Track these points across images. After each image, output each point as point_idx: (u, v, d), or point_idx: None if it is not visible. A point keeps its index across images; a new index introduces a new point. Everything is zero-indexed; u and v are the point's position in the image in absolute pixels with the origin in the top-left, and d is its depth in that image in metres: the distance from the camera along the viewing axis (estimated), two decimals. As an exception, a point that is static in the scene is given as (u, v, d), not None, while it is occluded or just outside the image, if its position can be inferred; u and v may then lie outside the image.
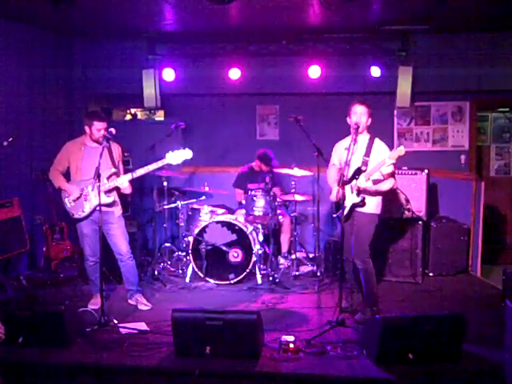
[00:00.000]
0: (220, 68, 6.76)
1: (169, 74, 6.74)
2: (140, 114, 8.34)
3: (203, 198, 6.25)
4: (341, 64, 6.75)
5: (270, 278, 5.50)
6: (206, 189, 6.09)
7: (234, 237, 5.56)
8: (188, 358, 3.69)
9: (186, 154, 4.61)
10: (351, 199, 4.36)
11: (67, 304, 4.05)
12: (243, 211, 5.80)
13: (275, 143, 7.16)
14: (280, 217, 6.04)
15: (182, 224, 6.15)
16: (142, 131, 6.94)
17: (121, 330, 4.23)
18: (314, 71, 6.57)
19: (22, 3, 5.16)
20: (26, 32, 6.04)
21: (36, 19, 5.93)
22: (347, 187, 4.32)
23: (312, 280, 5.66)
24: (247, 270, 5.48)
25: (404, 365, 3.54)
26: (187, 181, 7.13)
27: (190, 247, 5.59)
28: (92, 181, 4.46)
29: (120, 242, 4.76)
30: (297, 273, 5.82)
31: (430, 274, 5.91)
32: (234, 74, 6.70)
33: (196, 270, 5.57)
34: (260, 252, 5.65)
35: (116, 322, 4.37)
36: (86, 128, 4.64)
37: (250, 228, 5.69)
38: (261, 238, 5.81)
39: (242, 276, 5.49)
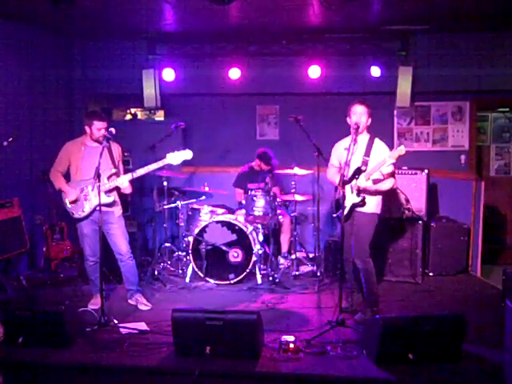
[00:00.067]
0: (220, 68, 6.76)
1: (169, 74, 6.74)
2: (140, 114, 8.35)
3: (203, 198, 6.26)
4: (341, 64, 6.74)
5: (270, 278, 5.50)
6: (206, 189, 6.09)
7: (234, 237, 5.56)
8: (188, 358, 3.68)
9: (186, 154, 4.62)
10: (351, 199, 4.36)
11: (67, 304, 4.07)
12: (243, 211, 5.80)
13: (275, 143, 7.16)
14: (280, 217, 6.04)
15: (182, 224, 6.15)
16: (142, 131, 6.94)
17: (121, 329, 4.23)
18: (314, 71, 6.57)
19: (22, 3, 5.16)
20: (26, 32, 6.04)
21: (36, 19, 5.93)
22: (347, 187, 4.32)
23: (312, 280, 5.66)
24: (247, 270, 5.48)
25: (404, 365, 3.54)
26: (187, 181, 7.13)
27: (190, 247, 5.60)
28: (92, 181, 4.46)
29: (120, 242, 4.76)
30: (297, 273, 5.83)
31: (430, 274, 5.91)
32: (234, 73, 6.70)
33: (196, 269, 5.57)
34: (260, 252, 5.64)
35: (116, 321, 4.37)
36: (86, 128, 4.65)
37: (250, 228, 5.69)
38: (261, 237, 5.81)
39: (242, 276, 5.49)
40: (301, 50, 6.68)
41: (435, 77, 6.63)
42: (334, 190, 4.69)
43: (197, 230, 5.60)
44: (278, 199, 5.77)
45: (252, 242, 5.50)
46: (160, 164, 4.60)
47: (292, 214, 6.02)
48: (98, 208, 4.38)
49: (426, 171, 5.87)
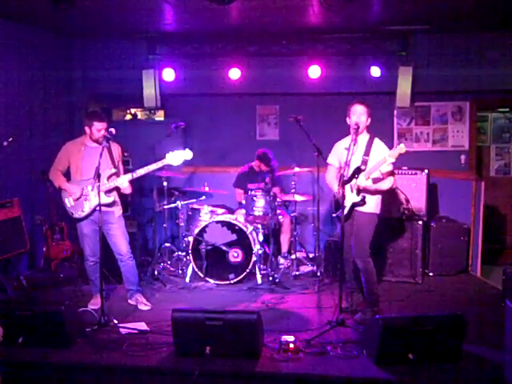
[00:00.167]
0: (220, 68, 6.76)
1: (169, 74, 6.74)
2: (140, 114, 8.35)
3: (203, 198, 6.26)
4: (341, 64, 6.74)
5: (270, 278, 5.50)
6: (206, 189, 6.09)
7: (233, 237, 5.56)
8: (188, 358, 3.68)
9: (186, 154, 4.62)
10: (351, 198, 4.36)
11: (67, 304, 4.05)
12: (243, 211, 5.80)
13: (275, 143, 7.16)
14: (280, 217, 6.04)
15: (182, 224, 6.15)
16: (142, 131, 6.95)
17: (121, 330, 4.23)
18: (314, 71, 6.57)
19: (22, 3, 5.16)
20: (26, 32, 6.04)
21: (36, 19, 5.92)
22: (347, 187, 4.32)
23: (312, 280, 5.66)
24: (247, 270, 5.48)
25: (404, 365, 3.54)
26: (187, 181, 7.13)
27: (190, 247, 5.60)
28: (92, 181, 4.46)
29: (120, 242, 4.76)
30: (297, 273, 5.83)
31: (430, 274, 5.91)
32: (234, 74, 6.70)
33: (196, 270, 5.57)
34: (260, 252, 5.65)
35: (116, 321, 4.37)
36: (86, 128, 4.65)
37: (250, 228, 5.70)
38: (261, 238, 5.81)
39: (242, 276, 5.50)
40: (301, 50, 6.67)
41: (435, 77, 6.62)
42: (331, 190, 4.69)
43: (197, 230, 5.60)
44: (277, 199, 5.77)
45: (252, 242, 5.51)
46: (160, 164, 4.60)
47: (292, 214, 6.02)
48: (97, 208, 4.38)
49: (426, 171, 5.87)
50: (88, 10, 5.39)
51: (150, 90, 6.75)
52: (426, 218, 5.83)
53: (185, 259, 5.96)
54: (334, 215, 4.63)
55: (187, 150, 4.64)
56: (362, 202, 4.32)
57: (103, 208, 4.44)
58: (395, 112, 7.11)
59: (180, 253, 6.16)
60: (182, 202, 6.09)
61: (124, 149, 5.07)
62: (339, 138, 4.65)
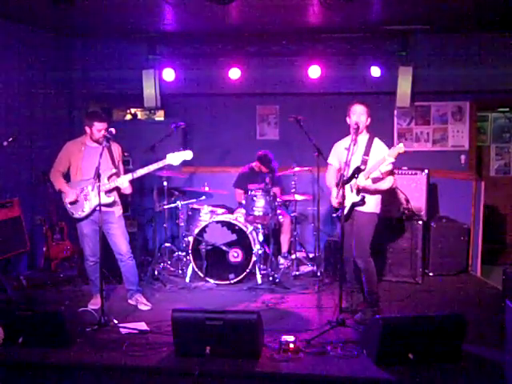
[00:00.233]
0: (220, 68, 6.76)
1: (169, 74, 6.74)
2: (140, 114, 8.35)
3: (203, 198, 6.26)
4: (341, 64, 6.74)
5: (270, 278, 5.50)
6: (206, 189, 6.09)
7: (233, 237, 5.56)
8: (188, 358, 3.68)
9: (186, 154, 4.63)
10: (351, 198, 4.37)
11: (67, 304, 4.06)
12: (243, 211, 5.80)
13: (275, 143, 7.16)
14: (280, 217, 6.04)
15: (182, 224, 6.15)
16: (142, 131, 6.94)
17: (121, 330, 4.23)
18: (314, 71, 6.57)
19: (22, 3, 5.16)
20: (26, 32, 6.04)
21: (36, 19, 5.92)
22: (347, 186, 4.32)
23: (312, 280, 5.66)
24: (247, 270, 5.48)
25: (404, 365, 3.54)
26: (187, 181, 7.12)
27: (190, 247, 5.60)
28: (92, 181, 4.46)
29: (120, 242, 4.76)
30: (297, 273, 5.83)
31: (430, 274, 5.91)
32: (234, 73, 6.70)
33: (196, 269, 5.57)
34: (260, 252, 5.65)
35: (116, 321, 4.37)
36: (87, 128, 4.65)
37: (250, 228, 5.70)
38: (261, 237, 5.81)
39: (242, 276, 5.49)
40: (301, 50, 6.68)
41: (435, 77, 6.62)
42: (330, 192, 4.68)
43: (197, 230, 5.60)
44: (278, 199, 5.77)
45: (252, 242, 5.51)
46: (160, 164, 4.61)
47: (292, 214, 6.02)
48: (98, 208, 4.39)
49: (426, 171, 5.87)
50: (88, 9, 5.39)
51: (150, 90, 6.76)
52: (426, 217, 5.82)
53: (185, 259, 5.96)
54: (334, 215, 4.63)
55: (188, 150, 4.65)
56: (362, 202, 4.32)
57: (103, 208, 4.44)
58: (395, 112, 7.11)
59: (180, 253, 6.16)
60: (182, 202, 6.09)
61: (124, 149, 5.07)
62: (339, 138, 4.65)
